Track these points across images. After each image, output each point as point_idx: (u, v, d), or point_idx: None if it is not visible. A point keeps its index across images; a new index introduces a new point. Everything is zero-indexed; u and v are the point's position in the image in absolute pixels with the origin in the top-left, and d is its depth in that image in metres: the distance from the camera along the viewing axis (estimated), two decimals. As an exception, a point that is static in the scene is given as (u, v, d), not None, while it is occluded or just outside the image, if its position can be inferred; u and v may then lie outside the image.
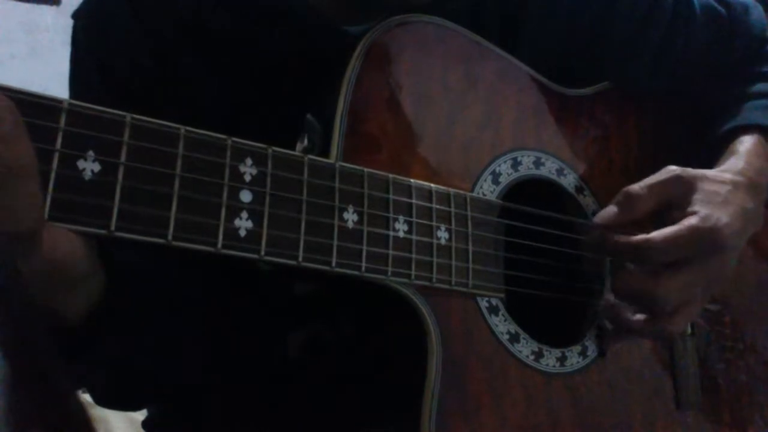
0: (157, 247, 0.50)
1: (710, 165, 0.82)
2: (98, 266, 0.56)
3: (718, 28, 0.87)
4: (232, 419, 0.76)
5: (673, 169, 0.74)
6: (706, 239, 0.70)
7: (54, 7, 2.74)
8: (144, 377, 0.68)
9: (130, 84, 0.70)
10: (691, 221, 0.70)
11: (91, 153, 0.46)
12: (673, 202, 0.74)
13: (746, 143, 0.82)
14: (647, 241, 0.69)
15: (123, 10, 0.71)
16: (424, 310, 0.62)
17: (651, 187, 0.73)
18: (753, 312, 0.92)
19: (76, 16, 0.74)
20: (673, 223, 0.71)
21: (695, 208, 0.72)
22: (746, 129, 0.84)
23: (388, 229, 0.60)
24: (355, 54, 0.64)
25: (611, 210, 0.73)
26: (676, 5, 0.85)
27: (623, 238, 0.70)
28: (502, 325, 0.67)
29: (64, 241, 0.47)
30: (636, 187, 0.73)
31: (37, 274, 0.47)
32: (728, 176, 0.77)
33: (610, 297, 0.75)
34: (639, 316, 0.72)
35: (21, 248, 0.44)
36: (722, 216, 0.72)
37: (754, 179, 0.79)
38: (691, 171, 0.75)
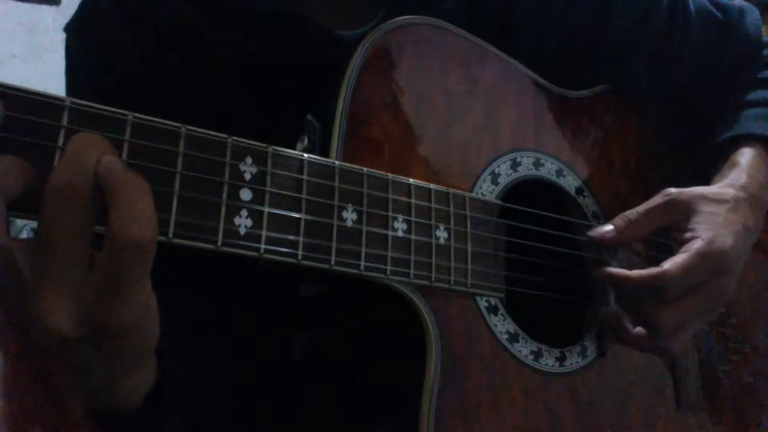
0: (159, 246, 0.50)
1: (709, 173, 0.82)
2: None
3: (714, 32, 0.88)
4: (232, 420, 0.76)
5: (669, 193, 0.74)
6: (713, 262, 0.70)
7: (54, 7, 2.74)
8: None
9: (126, 95, 0.70)
10: (695, 245, 0.70)
11: (92, 151, 0.46)
12: (672, 225, 0.74)
13: (747, 155, 0.82)
14: (663, 274, 0.68)
15: (116, 21, 0.71)
16: (423, 309, 0.62)
17: (647, 213, 0.74)
18: (758, 313, 0.92)
19: (68, 30, 0.73)
20: (675, 243, 0.71)
21: (697, 231, 0.71)
22: (746, 139, 0.83)
23: (387, 228, 0.61)
24: (356, 55, 0.64)
25: (607, 229, 0.74)
26: (671, 8, 0.85)
27: (636, 273, 0.69)
28: (501, 324, 0.68)
29: None
30: (633, 212, 0.74)
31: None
32: (730, 192, 0.76)
33: (611, 306, 0.75)
34: (639, 330, 0.72)
35: None
36: (727, 238, 0.71)
37: (757, 194, 0.78)
38: (688, 192, 0.74)
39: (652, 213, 0.74)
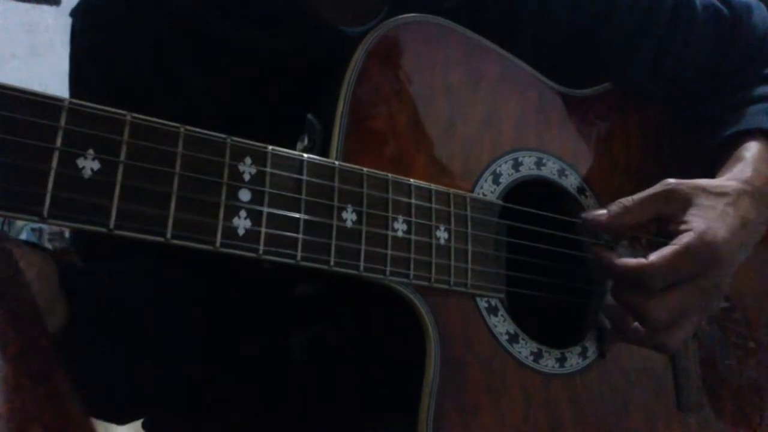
0: (159, 246, 0.50)
1: (713, 169, 0.81)
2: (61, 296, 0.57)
3: (720, 28, 0.87)
4: (232, 420, 0.76)
5: (667, 183, 0.73)
6: (702, 256, 0.69)
7: (54, 7, 2.74)
8: (141, 384, 0.68)
9: (130, 84, 0.70)
10: (685, 238, 0.69)
11: (91, 151, 0.46)
12: (668, 216, 0.73)
13: (752, 149, 0.81)
14: (649, 265, 0.67)
15: (121, 9, 0.71)
16: (423, 309, 0.62)
17: (643, 201, 0.72)
18: (762, 308, 0.91)
19: (74, 14, 0.74)
20: (669, 236, 0.71)
21: (691, 223, 0.70)
22: (751, 134, 0.82)
23: (387, 228, 0.60)
24: (357, 53, 0.64)
25: (601, 213, 0.73)
26: (676, 4, 0.85)
27: (621, 262, 0.69)
28: (501, 325, 0.67)
29: None
30: (630, 198, 0.73)
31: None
32: (732, 185, 0.75)
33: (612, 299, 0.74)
34: (637, 326, 0.72)
35: None
36: (720, 230, 0.70)
37: (761, 188, 0.77)
38: (687, 184, 0.73)
39: (648, 201, 0.72)
